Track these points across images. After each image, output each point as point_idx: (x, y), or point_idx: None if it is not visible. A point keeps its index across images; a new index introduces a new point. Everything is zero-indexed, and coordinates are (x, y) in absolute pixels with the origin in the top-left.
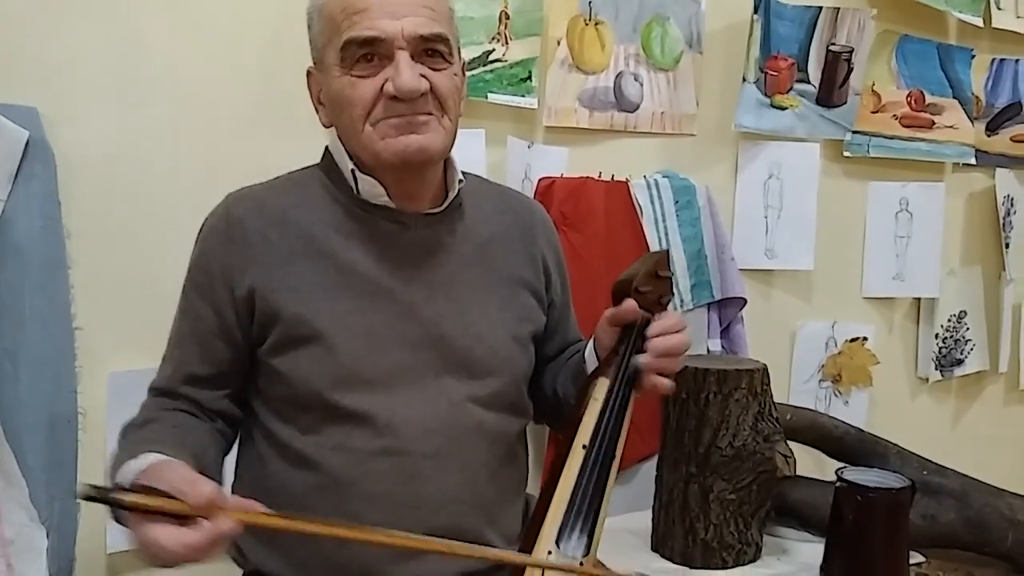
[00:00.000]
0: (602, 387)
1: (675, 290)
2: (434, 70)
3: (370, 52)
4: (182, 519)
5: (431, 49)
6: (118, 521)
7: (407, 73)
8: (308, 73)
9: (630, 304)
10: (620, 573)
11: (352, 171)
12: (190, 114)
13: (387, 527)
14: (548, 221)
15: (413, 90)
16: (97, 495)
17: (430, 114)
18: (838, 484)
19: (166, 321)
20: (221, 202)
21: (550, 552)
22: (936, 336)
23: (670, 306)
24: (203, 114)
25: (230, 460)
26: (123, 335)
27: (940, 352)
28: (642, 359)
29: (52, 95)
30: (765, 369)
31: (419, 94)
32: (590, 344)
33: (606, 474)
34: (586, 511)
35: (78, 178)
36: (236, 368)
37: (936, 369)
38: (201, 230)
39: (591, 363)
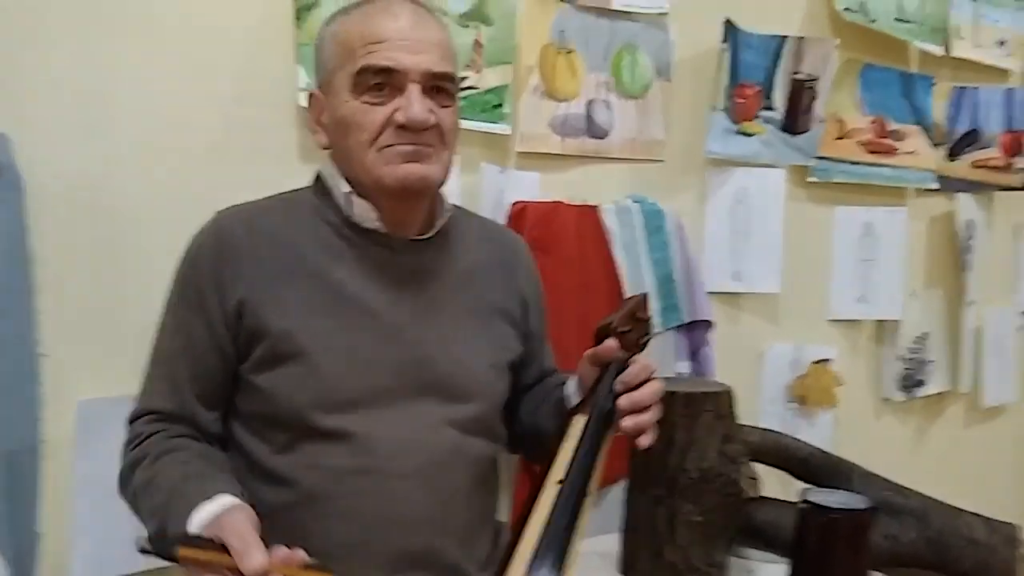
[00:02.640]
0: (578, 424)
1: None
2: (440, 106)
3: (383, 82)
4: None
5: (439, 87)
6: (172, 561)
7: (418, 105)
8: (310, 95)
9: (610, 344)
10: None
11: (347, 194)
12: (161, 141)
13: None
14: (529, 254)
15: (423, 122)
16: (155, 550)
17: (432, 146)
18: (802, 505)
19: (136, 347)
20: (210, 219)
21: None
22: (899, 357)
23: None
24: (174, 141)
25: None
26: (92, 362)
27: (903, 373)
28: (621, 419)
29: (22, 120)
30: (731, 392)
31: (427, 127)
32: (573, 381)
33: (578, 510)
34: (557, 546)
35: (47, 203)
36: (226, 387)
37: (899, 390)
38: (189, 247)
39: (573, 399)
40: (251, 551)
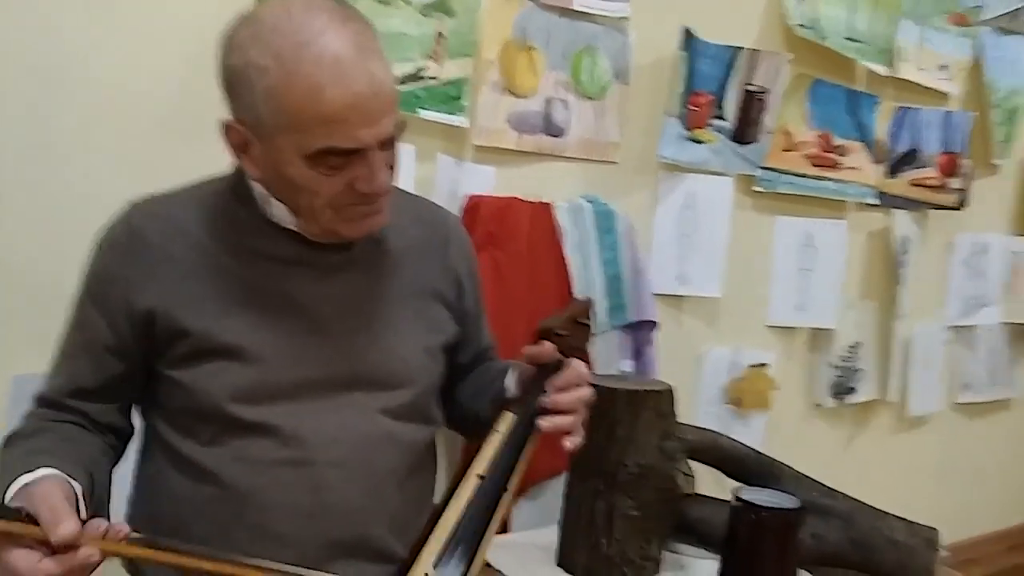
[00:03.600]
0: (506, 421)
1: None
2: (391, 155)
3: (343, 158)
4: (47, 544)
5: (391, 139)
6: None
7: (382, 175)
8: (227, 126)
9: (547, 346)
10: None
11: (265, 196)
12: (105, 114)
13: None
14: (462, 231)
15: (387, 189)
16: None
17: (388, 193)
18: (734, 503)
19: None
20: (121, 212)
21: (426, 574)
22: (832, 365)
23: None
24: (119, 115)
25: (125, 475)
26: (28, 337)
27: (835, 380)
28: (541, 419)
29: None
30: (672, 391)
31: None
32: (513, 375)
33: (495, 506)
34: (468, 540)
35: None
36: (128, 382)
37: (830, 396)
38: (100, 240)
39: (511, 391)
40: (60, 520)
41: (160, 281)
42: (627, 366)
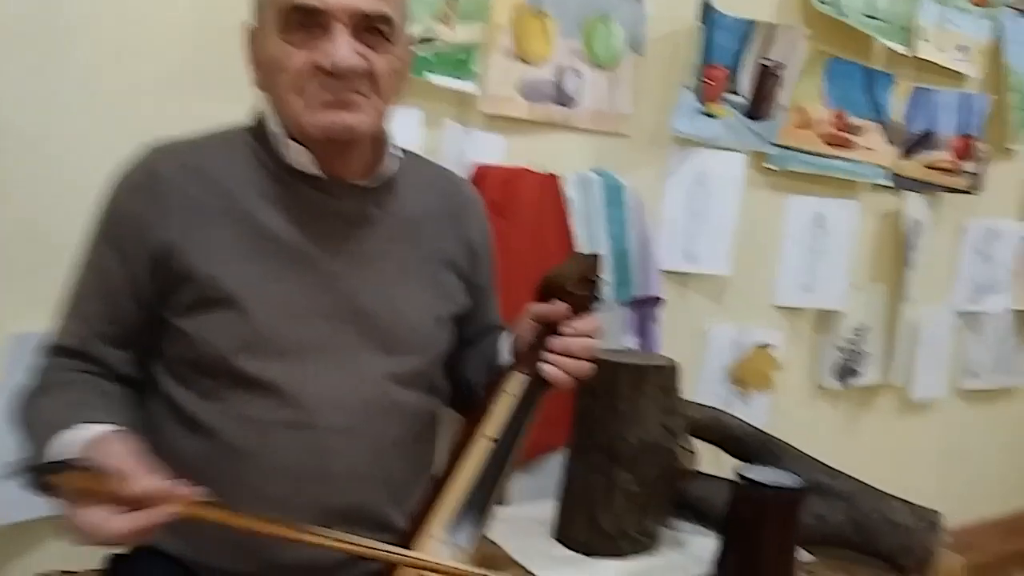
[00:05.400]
0: (515, 381)
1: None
2: (373, 49)
3: (307, 22)
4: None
5: (373, 27)
6: (45, 492)
7: (343, 49)
8: (248, 30)
9: (557, 304)
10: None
11: (280, 137)
12: (110, 69)
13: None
14: (480, 204)
15: (347, 68)
16: (32, 473)
17: (362, 94)
18: (736, 481)
19: (70, 281)
20: (140, 153)
21: (436, 539)
22: (837, 347)
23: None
24: (125, 70)
25: None
26: (27, 295)
27: (840, 363)
28: (547, 356)
29: None
30: (676, 367)
31: (354, 73)
32: (508, 337)
33: (504, 468)
34: (480, 503)
35: None
36: (144, 330)
37: (835, 378)
38: (116, 180)
39: (505, 356)
40: (134, 474)
41: (176, 220)
42: (630, 342)
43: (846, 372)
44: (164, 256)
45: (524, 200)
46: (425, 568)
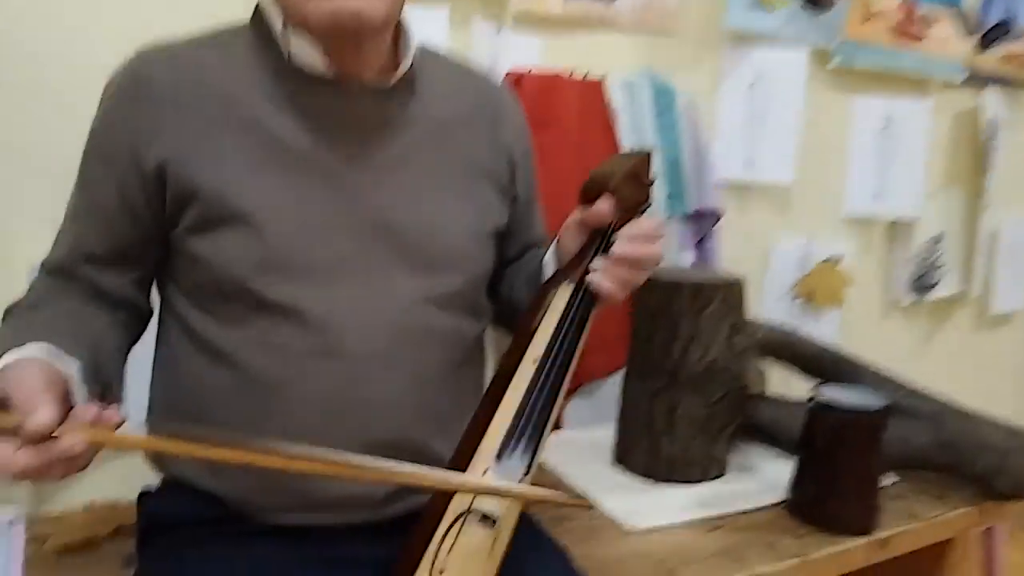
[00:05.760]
0: (562, 296)
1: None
2: None
3: None
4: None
5: None
6: None
7: None
8: None
9: (604, 206)
10: (560, 494)
11: (283, 32)
12: None
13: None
14: (517, 106)
15: None
16: None
17: None
18: (814, 402)
19: None
20: (128, 58)
21: (487, 469)
22: (911, 259)
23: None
24: None
25: (147, 359)
26: (45, 223)
27: (914, 275)
28: (598, 263)
29: None
30: (741, 283)
31: None
32: (551, 248)
33: (557, 391)
34: (531, 429)
35: None
36: (143, 250)
37: (909, 292)
38: (103, 93)
39: (550, 268)
40: (34, 406)
41: (170, 131)
42: (687, 259)
43: (921, 285)
44: (159, 171)
45: (564, 109)
46: (483, 492)
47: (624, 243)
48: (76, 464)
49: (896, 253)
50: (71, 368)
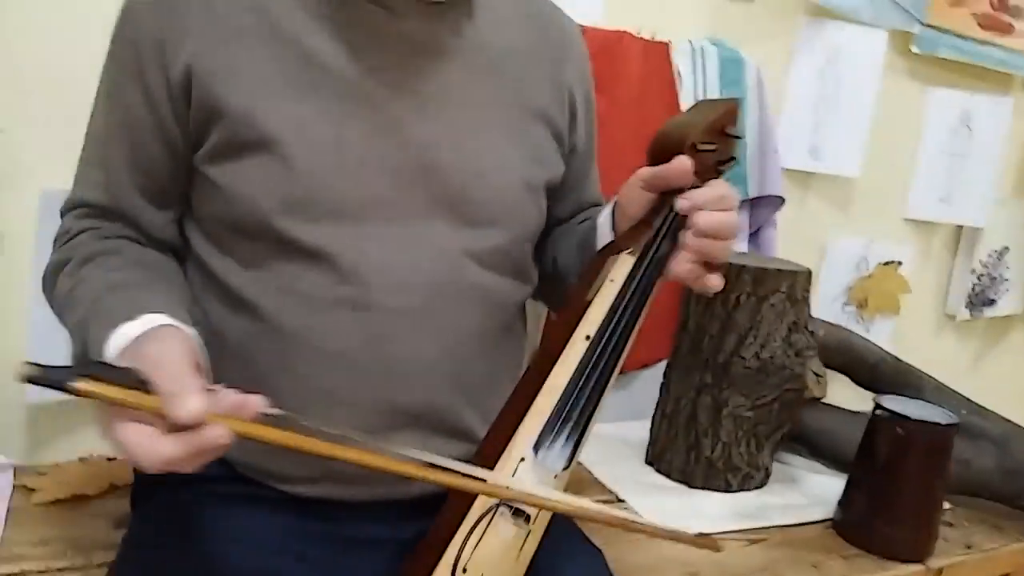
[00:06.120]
0: (623, 266)
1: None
2: None
3: None
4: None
5: None
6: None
7: None
8: None
9: (682, 164)
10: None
11: None
12: None
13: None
14: (583, 45)
15: None
16: (45, 379)
17: None
18: (876, 412)
19: None
20: None
21: (523, 459)
22: (973, 271)
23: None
24: None
25: None
26: (55, 148)
27: (974, 289)
28: (683, 236)
29: None
30: (809, 274)
31: None
32: (607, 209)
33: (609, 376)
34: (576, 417)
35: None
36: (176, 179)
37: (966, 306)
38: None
39: (604, 233)
40: (184, 392)
41: (197, 36)
42: (741, 247)
43: (980, 300)
44: (185, 78)
45: (626, 71)
46: (517, 501)
47: (703, 213)
48: (215, 456)
49: (957, 263)
50: (197, 340)
